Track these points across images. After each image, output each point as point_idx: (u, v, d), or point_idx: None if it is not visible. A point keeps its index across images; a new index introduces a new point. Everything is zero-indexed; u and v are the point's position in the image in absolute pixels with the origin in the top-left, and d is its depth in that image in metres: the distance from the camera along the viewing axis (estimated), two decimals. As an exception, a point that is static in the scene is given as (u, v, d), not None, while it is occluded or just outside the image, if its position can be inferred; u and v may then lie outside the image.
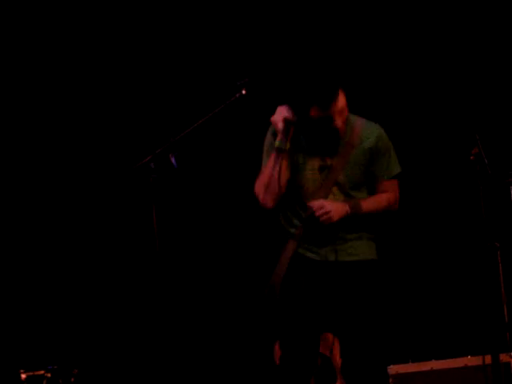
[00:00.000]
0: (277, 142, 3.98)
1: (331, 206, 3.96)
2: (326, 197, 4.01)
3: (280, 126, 3.96)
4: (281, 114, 3.98)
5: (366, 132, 4.07)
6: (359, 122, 4.09)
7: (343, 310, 4.02)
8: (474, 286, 5.61)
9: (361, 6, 5.92)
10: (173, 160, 3.97)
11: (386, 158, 4.09)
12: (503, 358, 4.65)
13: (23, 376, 4.99)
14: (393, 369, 4.93)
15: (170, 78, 6.03)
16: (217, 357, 5.94)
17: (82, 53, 5.97)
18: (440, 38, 5.84)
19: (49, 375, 4.99)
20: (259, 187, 4.02)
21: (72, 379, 5.05)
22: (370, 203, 4.07)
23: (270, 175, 3.98)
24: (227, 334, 5.97)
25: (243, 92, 4.03)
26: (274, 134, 4.03)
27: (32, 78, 5.92)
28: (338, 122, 3.96)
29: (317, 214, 3.94)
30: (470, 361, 4.89)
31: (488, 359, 4.58)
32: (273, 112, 4.05)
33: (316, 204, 3.96)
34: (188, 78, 6.02)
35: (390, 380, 4.90)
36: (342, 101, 3.97)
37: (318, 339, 4.05)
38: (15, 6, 5.86)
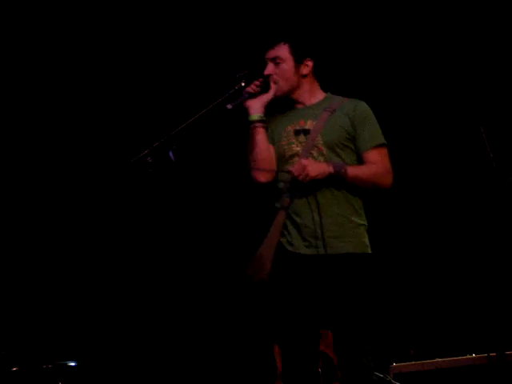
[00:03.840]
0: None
1: (308, 162, 3.86)
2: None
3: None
4: None
5: (347, 102, 4.05)
6: (342, 98, 4.08)
7: (331, 305, 3.87)
8: (480, 284, 5.58)
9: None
10: (170, 154, 3.92)
11: (367, 127, 3.99)
12: (509, 356, 4.59)
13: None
14: (396, 367, 4.84)
15: (168, 71, 6.01)
16: (215, 357, 5.90)
17: (79, 46, 5.94)
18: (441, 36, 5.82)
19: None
20: (248, 165, 4.02)
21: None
22: (356, 167, 3.94)
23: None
24: (226, 333, 5.95)
25: (242, 84, 3.99)
26: None
27: (29, 72, 5.88)
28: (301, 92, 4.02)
29: (295, 173, 3.84)
30: (476, 359, 4.82)
31: (494, 357, 4.54)
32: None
33: (295, 166, 3.88)
34: (186, 70, 5.99)
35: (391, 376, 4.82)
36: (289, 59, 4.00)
37: (317, 335, 3.93)
38: (15, 5, 5.80)
